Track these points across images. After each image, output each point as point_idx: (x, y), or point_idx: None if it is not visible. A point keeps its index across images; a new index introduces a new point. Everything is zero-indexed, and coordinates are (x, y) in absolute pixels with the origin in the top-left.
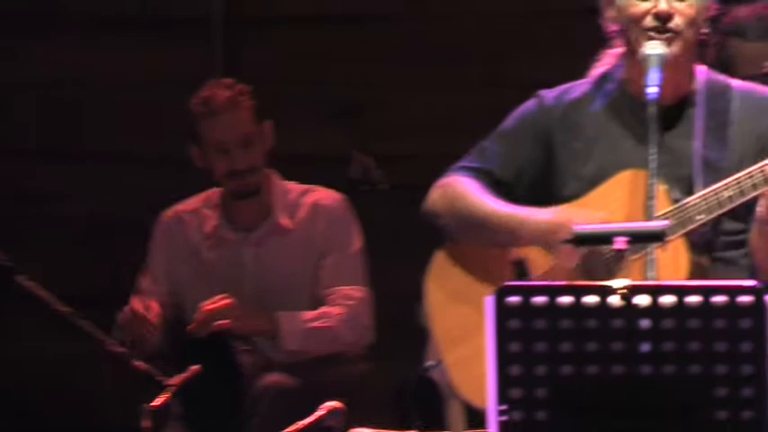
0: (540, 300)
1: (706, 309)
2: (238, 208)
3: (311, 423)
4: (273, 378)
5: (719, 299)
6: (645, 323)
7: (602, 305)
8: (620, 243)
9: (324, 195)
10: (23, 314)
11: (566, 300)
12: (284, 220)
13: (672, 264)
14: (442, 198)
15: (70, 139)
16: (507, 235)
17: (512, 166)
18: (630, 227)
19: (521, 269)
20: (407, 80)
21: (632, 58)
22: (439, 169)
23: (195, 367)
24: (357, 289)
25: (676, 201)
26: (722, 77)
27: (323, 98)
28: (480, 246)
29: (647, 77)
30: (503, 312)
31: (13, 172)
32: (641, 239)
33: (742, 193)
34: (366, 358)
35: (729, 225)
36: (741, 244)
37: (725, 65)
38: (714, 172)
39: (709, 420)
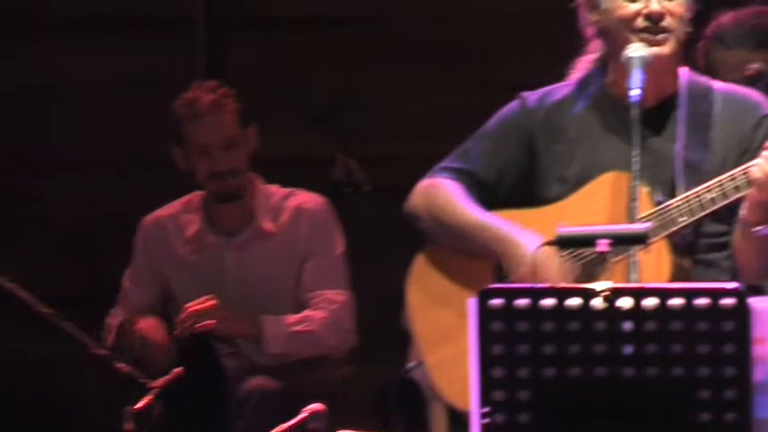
0: (522, 302)
1: (689, 311)
2: (220, 212)
3: (294, 426)
4: (257, 381)
5: (702, 301)
6: (627, 325)
7: (585, 308)
8: (602, 245)
9: (307, 199)
10: (4, 316)
11: (548, 302)
12: (267, 225)
13: (654, 266)
14: (422, 201)
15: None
16: (481, 247)
17: (494, 168)
18: (613, 229)
19: (502, 271)
20: (390, 82)
21: (616, 60)
22: (421, 171)
23: (178, 369)
24: (339, 293)
25: (659, 203)
26: (704, 79)
27: (305, 101)
28: (458, 251)
29: (630, 80)
30: (486, 315)
31: None
32: (624, 242)
33: (725, 195)
34: (348, 361)
35: (712, 227)
36: (723, 246)
37: (709, 71)
38: (696, 174)
39: (692, 422)
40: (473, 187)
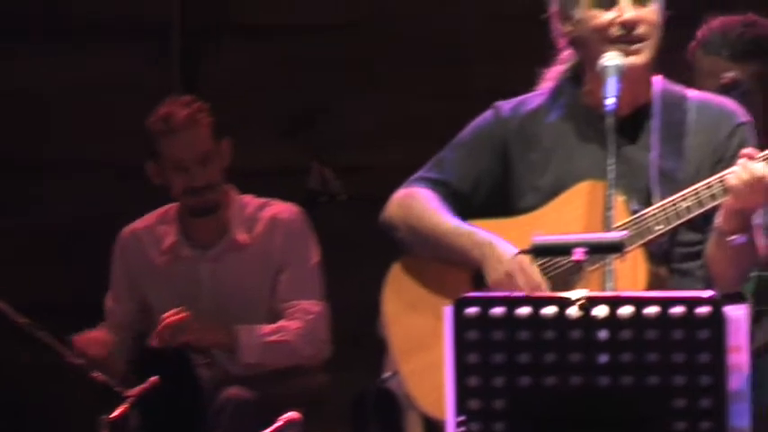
0: (498, 311)
1: (664, 320)
2: (196, 225)
3: None
4: (232, 391)
5: (677, 310)
6: (603, 334)
7: (561, 316)
8: (578, 254)
9: (281, 209)
10: None
11: (524, 311)
12: (241, 236)
13: (630, 275)
14: (398, 211)
15: (26, 148)
16: (458, 254)
17: (469, 178)
18: (589, 238)
19: (479, 280)
20: (364, 91)
21: (591, 69)
22: (397, 180)
23: (154, 378)
24: (315, 303)
25: (635, 211)
26: (678, 88)
27: (280, 109)
28: (436, 259)
29: (605, 88)
30: (461, 323)
31: None
32: (600, 250)
33: (700, 203)
34: (324, 370)
35: (686, 236)
36: (698, 255)
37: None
38: (671, 183)
39: (668, 431)
40: (448, 197)
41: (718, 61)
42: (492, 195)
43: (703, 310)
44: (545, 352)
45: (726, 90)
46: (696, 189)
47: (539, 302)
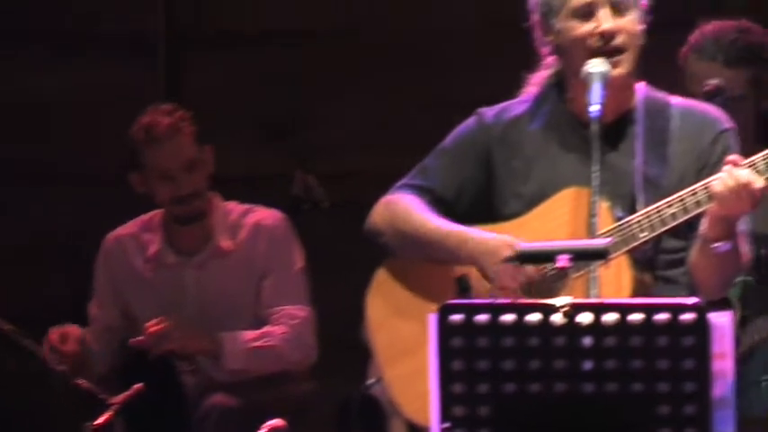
0: (482, 318)
1: (648, 326)
2: (180, 233)
3: None
4: (217, 398)
5: (662, 316)
6: (587, 341)
7: (545, 323)
8: (562, 261)
9: (265, 215)
10: None
11: (508, 318)
12: (225, 243)
13: (615, 281)
14: (383, 216)
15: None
16: (448, 253)
17: (453, 184)
18: (573, 245)
19: (463, 284)
20: (347, 98)
21: (575, 77)
22: (380, 186)
23: (138, 385)
24: (300, 308)
25: (619, 218)
26: (661, 94)
27: (264, 116)
28: (422, 261)
29: (590, 95)
30: (446, 330)
31: None
32: (584, 257)
33: (686, 210)
34: (310, 377)
35: (670, 243)
36: (681, 262)
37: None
38: (655, 189)
39: None
40: (433, 204)
41: (712, 66)
42: (476, 202)
43: (688, 316)
44: (530, 359)
45: (709, 97)
46: (681, 196)
47: (523, 309)
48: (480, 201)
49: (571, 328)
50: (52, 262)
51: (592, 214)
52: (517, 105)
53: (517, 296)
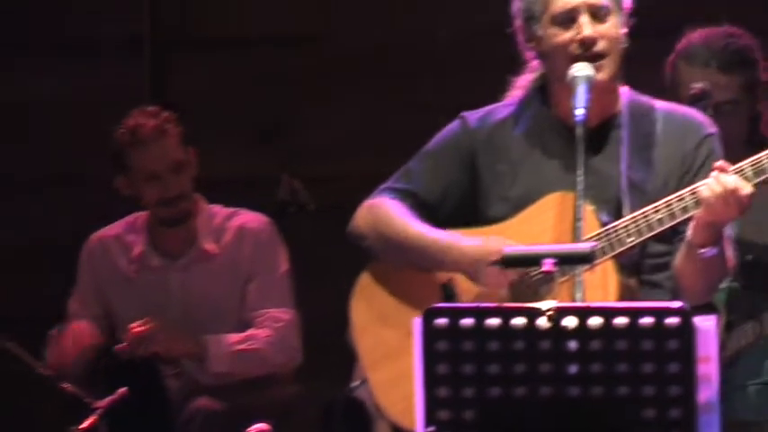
0: (467, 322)
1: (633, 330)
2: (165, 235)
3: None
4: (201, 402)
5: (647, 320)
6: (572, 345)
7: (530, 327)
8: (548, 265)
9: (250, 218)
10: None
11: (493, 322)
12: (209, 246)
13: (601, 286)
14: (367, 220)
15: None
16: (431, 260)
17: (437, 188)
18: (559, 248)
19: (448, 290)
20: (332, 101)
21: (558, 82)
22: (365, 190)
23: (123, 390)
24: (285, 311)
25: (605, 222)
26: (645, 99)
27: (249, 120)
28: (406, 268)
29: (575, 99)
30: (431, 334)
31: None
32: (570, 261)
33: (672, 215)
34: (295, 380)
35: (655, 247)
36: (666, 266)
37: (673, 86)
38: (640, 193)
39: None
40: (416, 208)
41: (705, 72)
42: (460, 206)
43: (673, 320)
44: (515, 362)
45: (693, 101)
46: (668, 201)
47: (508, 313)
48: (464, 204)
49: (556, 332)
50: (52, 262)
51: (577, 218)
52: (502, 109)
53: (503, 300)
